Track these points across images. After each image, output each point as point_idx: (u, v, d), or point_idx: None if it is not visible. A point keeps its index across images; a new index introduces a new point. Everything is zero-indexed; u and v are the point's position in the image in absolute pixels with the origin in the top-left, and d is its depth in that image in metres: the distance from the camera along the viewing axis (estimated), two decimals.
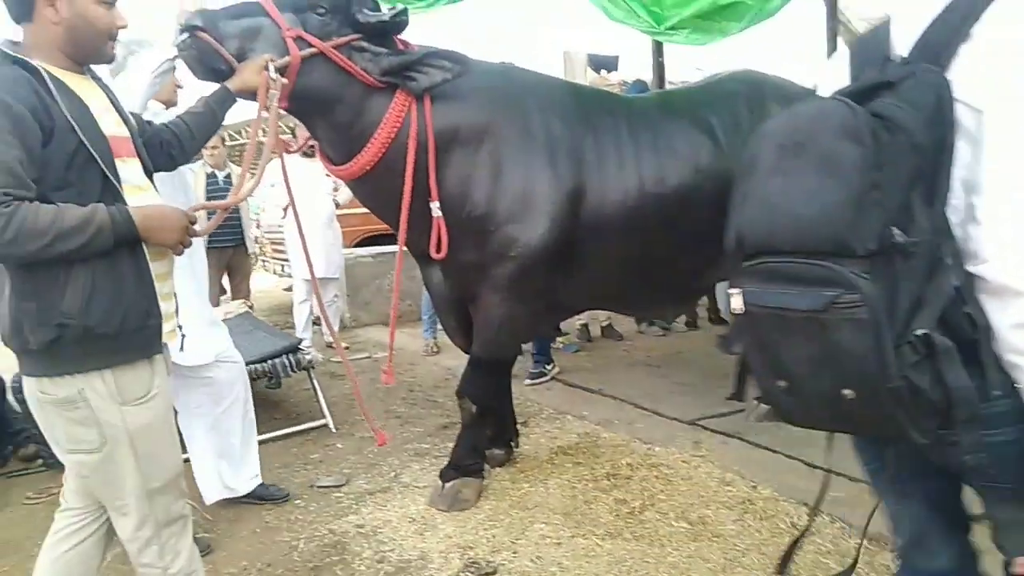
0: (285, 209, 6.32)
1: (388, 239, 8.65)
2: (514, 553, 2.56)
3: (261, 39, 2.42)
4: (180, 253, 1.85)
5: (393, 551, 2.65)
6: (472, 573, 2.46)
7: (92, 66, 1.84)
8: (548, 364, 4.93)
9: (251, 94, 2.22)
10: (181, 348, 2.25)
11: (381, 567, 2.55)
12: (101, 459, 1.75)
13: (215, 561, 2.68)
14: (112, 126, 1.76)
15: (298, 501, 3.17)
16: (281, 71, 2.33)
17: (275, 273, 10.38)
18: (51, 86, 1.63)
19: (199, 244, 2.90)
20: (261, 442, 3.88)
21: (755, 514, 2.72)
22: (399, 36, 2.66)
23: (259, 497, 3.13)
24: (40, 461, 3.73)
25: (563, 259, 2.89)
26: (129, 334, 1.74)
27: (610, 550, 2.53)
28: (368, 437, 3.93)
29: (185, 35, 2.37)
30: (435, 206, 2.69)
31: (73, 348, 1.67)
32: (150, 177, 1.89)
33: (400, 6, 2.61)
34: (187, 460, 2.98)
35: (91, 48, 1.77)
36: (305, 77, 2.46)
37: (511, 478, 3.19)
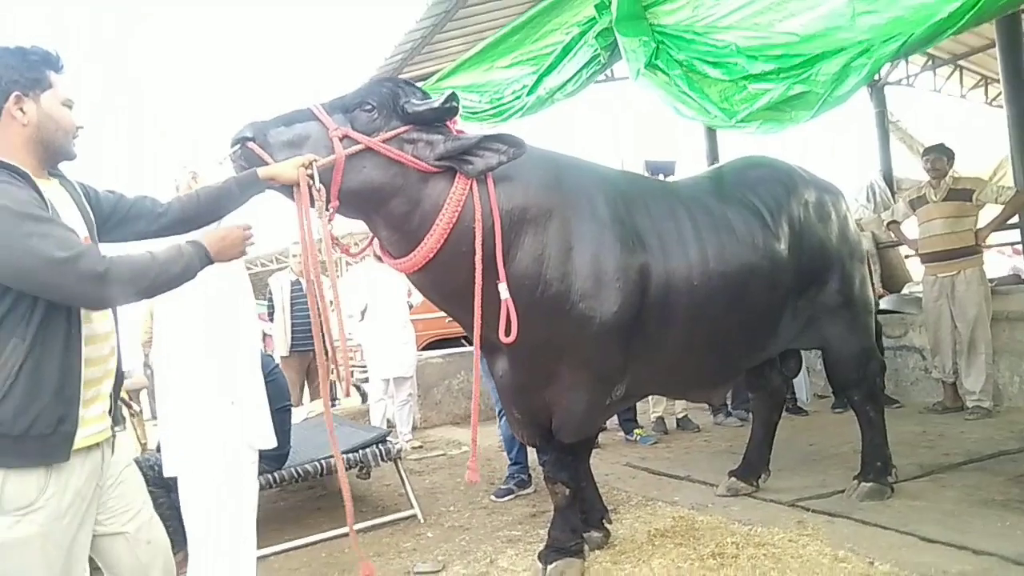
0: (363, 313, 6.60)
1: (452, 343, 8.88)
2: None
3: (310, 144, 2.41)
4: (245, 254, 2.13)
5: None
6: None
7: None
8: (527, 479, 4.45)
9: (285, 188, 2.30)
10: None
11: None
12: None
13: None
14: (72, 223, 1.83)
15: None
16: (328, 170, 2.36)
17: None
18: (37, 186, 1.77)
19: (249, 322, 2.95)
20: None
21: None
22: (454, 124, 2.67)
23: None
24: None
25: (634, 337, 2.92)
26: (32, 439, 1.69)
27: None
28: (459, 527, 3.92)
29: (236, 147, 2.38)
30: (503, 288, 2.63)
31: None
32: None
33: (450, 91, 2.63)
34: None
35: (59, 147, 1.87)
36: (355, 174, 2.45)
37: (611, 559, 3.12)
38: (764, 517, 3.47)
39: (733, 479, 3.91)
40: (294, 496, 4.96)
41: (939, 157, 5.30)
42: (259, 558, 3.30)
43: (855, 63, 3.47)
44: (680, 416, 6.07)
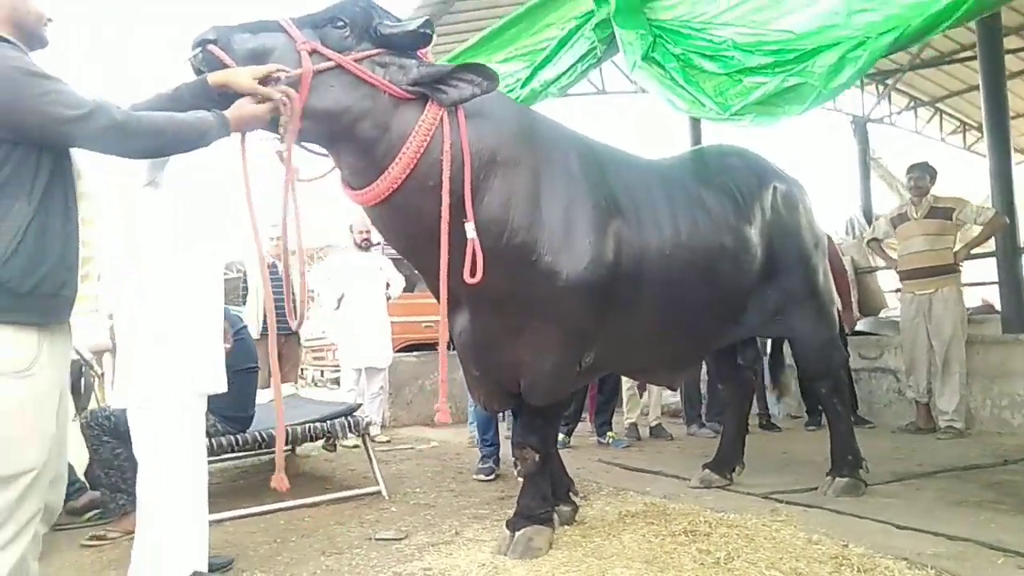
0: (339, 302, 6.48)
1: (426, 348, 8.72)
2: None
3: (275, 55, 2.24)
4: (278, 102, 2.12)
5: None
6: None
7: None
8: (495, 462, 4.46)
9: (238, 95, 2.13)
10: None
11: None
12: None
13: None
14: None
15: (357, 551, 3.02)
16: (293, 86, 2.20)
17: (312, 381, 10.43)
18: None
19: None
20: (312, 504, 3.81)
21: (851, 567, 2.51)
22: (425, 55, 2.53)
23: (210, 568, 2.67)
24: (94, 513, 3.66)
25: (604, 302, 2.84)
26: (38, 297, 1.77)
27: None
28: (424, 504, 3.81)
29: (197, 49, 2.21)
30: (470, 227, 2.50)
31: None
32: None
33: (425, 17, 2.51)
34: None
35: (31, 30, 1.93)
36: (323, 92, 2.29)
37: (581, 533, 3.03)
38: (737, 506, 3.40)
39: (707, 471, 3.85)
40: (255, 476, 4.79)
41: (922, 175, 5.38)
42: (215, 522, 3.17)
43: (851, 55, 3.51)
44: (653, 425, 6.00)
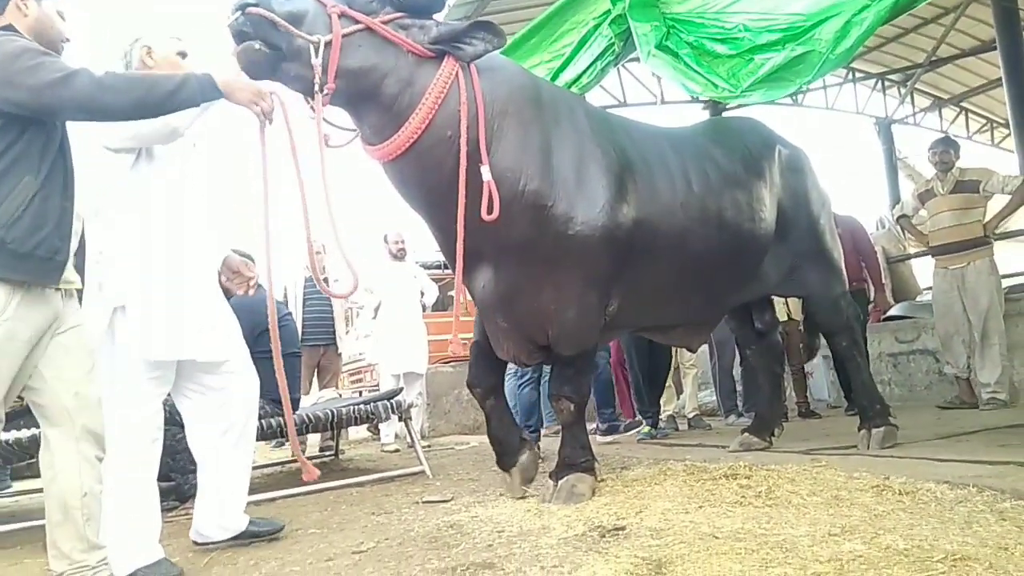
0: (376, 310, 6.67)
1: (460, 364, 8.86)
2: (640, 518, 2.45)
3: (308, 18, 2.42)
4: (263, 113, 2.27)
5: (512, 525, 2.57)
6: (598, 533, 2.36)
7: None
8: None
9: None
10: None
11: (502, 534, 2.46)
12: None
13: (330, 540, 2.65)
14: None
15: (406, 511, 3.11)
16: (326, 47, 2.39)
17: None
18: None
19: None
20: (359, 484, 3.91)
21: (893, 491, 2.53)
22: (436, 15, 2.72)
23: (252, 535, 2.76)
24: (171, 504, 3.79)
25: (620, 251, 2.91)
26: (35, 259, 2.05)
27: (743, 513, 2.40)
28: (468, 479, 3.89)
29: (238, 13, 2.34)
30: (485, 169, 2.61)
31: None
32: None
33: None
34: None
35: (51, 44, 2.22)
36: (353, 52, 2.47)
37: (624, 483, 3.08)
38: (777, 460, 3.41)
39: (746, 434, 3.88)
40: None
41: (946, 150, 5.38)
42: (266, 501, 3.30)
43: (856, 18, 3.63)
44: (691, 416, 6.02)
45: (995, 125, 11.99)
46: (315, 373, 6.68)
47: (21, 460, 3.47)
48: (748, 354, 4.28)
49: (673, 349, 5.51)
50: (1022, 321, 5.37)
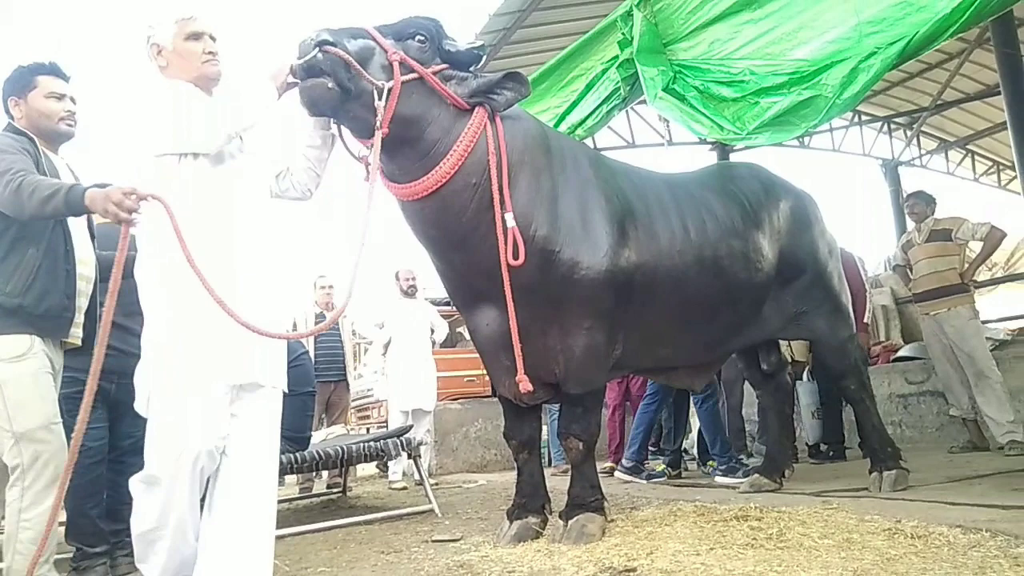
0: (386, 347, 6.71)
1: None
2: (651, 559, 2.45)
3: (373, 60, 2.54)
4: (125, 221, 2.11)
5: (523, 565, 2.56)
6: (609, 574, 2.36)
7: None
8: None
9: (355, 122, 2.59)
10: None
11: (513, 574, 2.46)
12: None
13: None
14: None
15: (415, 550, 3.11)
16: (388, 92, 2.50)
17: None
18: (40, 149, 2.59)
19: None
20: (368, 522, 3.91)
21: (905, 535, 2.52)
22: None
23: None
24: None
25: (623, 293, 2.99)
26: (48, 318, 2.48)
27: (754, 555, 2.40)
28: (477, 518, 3.88)
29: (315, 50, 2.42)
30: (509, 217, 2.72)
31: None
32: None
33: (481, 42, 2.94)
34: None
35: (46, 128, 2.65)
36: (406, 100, 2.58)
37: (633, 523, 3.07)
38: (788, 502, 3.40)
39: (756, 475, 3.87)
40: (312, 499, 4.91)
41: (917, 202, 5.60)
42: (277, 538, 3.28)
43: (863, 64, 3.70)
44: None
45: (1002, 167, 12.06)
46: (325, 409, 6.69)
47: None
48: (758, 395, 4.29)
49: None
50: None
